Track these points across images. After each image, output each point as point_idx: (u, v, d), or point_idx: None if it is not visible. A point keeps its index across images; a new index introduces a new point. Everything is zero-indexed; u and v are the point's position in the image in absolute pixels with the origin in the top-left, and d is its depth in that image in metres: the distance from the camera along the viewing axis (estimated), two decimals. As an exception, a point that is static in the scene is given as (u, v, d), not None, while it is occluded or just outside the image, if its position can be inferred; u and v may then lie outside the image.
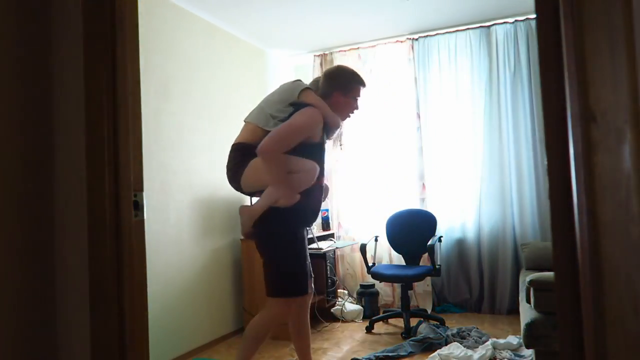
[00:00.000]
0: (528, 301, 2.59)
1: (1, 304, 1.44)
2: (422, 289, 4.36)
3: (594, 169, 0.93)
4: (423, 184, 4.42)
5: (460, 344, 3.18)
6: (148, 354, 1.61)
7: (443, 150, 4.42)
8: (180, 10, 3.55)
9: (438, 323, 3.73)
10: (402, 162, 4.54)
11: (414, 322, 3.75)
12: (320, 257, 4.11)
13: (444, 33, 4.43)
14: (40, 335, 1.54)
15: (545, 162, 1.12)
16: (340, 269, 4.75)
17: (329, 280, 4.26)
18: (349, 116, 2.47)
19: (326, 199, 2.57)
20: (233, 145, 2.41)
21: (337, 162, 4.82)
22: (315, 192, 2.32)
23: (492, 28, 4.28)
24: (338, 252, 4.70)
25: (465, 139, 4.36)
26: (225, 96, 4.02)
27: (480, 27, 4.31)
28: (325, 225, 4.60)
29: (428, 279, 4.27)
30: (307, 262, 2.36)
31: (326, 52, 4.88)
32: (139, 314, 1.55)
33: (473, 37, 4.35)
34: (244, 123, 2.45)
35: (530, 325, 2.39)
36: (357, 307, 4.23)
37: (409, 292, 3.96)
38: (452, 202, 4.38)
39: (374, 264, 4.11)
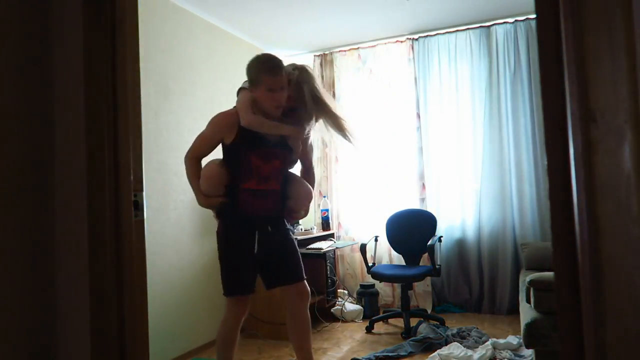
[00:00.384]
0: (528, 301, 2.59)
1: (1, 303, 1.44)
2: (422, 289, 4.36)
3: (594, 169, 0.93)
4: (423, 184, 4.42)
5: (460, 344, 3.18)
6: (148, 354, 1.61)
7: (443, 150, 4.42)
8: (180, 10, 3.55)
9: (438, 323, 3.73)
10: (402, 162, 4.54)
11: (414, 322, 3.75)
12: (320, 257, 4.11)
13: (444, 33, 4.43)
14: (40, 335, 1.54)
15: (545, 162, 1.12)
16: (340, 269, 4.75)
17: (329, 280, 4.26)
18: (275, 112, 2.24)
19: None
20: None
21: (337, 162, 4.82)
22: (241, 196, 2.25)
23: (492, 28, 4.28)
24: (338, 252, 4.69)
25: (465, 139, 4.36)
26: (226, 96, 4.02)
27: (480, 27, 4.31)
28: (325, 225, 4.60)
29: (428, 279, 4.27)
30: (239, 266, 2.28)
31: (326, 52, 4.88)
32: (139, 314, 1.55)
33: (473, 37, 4.35)
34: None
35: (530, 325, 2.39)
36: (357, 307, 4.23)
37: (409, 292, 3.96)
38: (452, 202, 4.38)
39: (374, 264, 4.10)
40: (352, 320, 4.12)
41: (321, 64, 4.91)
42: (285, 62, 2.11)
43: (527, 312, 2.56)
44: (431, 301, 4.33)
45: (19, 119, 1.52)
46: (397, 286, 4.41)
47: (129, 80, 1.55)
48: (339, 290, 4.52)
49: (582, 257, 1.00)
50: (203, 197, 2.28)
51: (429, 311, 4.21)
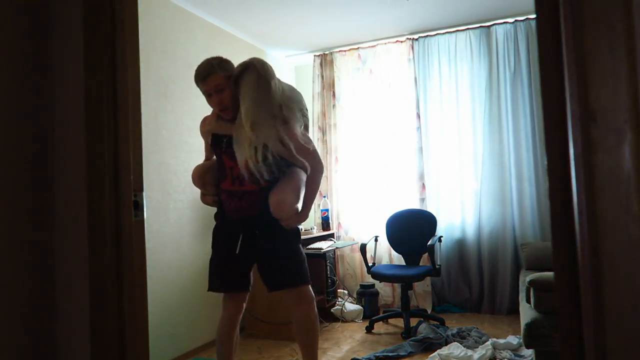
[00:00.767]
0: (528, 301, 2.59)
1: (1, 304, 1.44)
2: (422, 289, 4.36)
3: (594, 169, 0.93)
4: (423, 184, 4.42)
5: (460, 344, 3.18)
6: (148, 354, 1.61)
7: (443, 150, 4.42)
8: (180, 10, 3.55)
9: (438, 323, 3.73)
10: (402, 162, 4.54)
11: (414, 322, 3.75)
12: (320, 257, 4.11)
13: (444, 33, 4.43)
14: (40, 335, 1.54)
15: (545, 162, 1.12)
16: (340, 269, 4.75)
17: (329, 280, 4.26)
18: (224, 115, 2.30)
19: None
20: None
21: (337, 162, 4.82)
22: (221, 196, 2.33)
23: (492, 28, 4.28)
24: (338, 252, 4.69)
25: (465, 139, 4.36)
26: (225, 96, 4.02)
27: (480, 27, 4.31)
28: (325, 225, 4.60)
29: (428, 279, 4.27)
30: (219, 263, 2.35)
31: (326, 52, 4.88)
32: (139, 314, 1.55)
33: (473, 37, 4.35)
34: None
35: (530, 325, 2.39)
36: (357, 307, 4.23)
37: (409, 292, 3.96)
38: (452, 202, 4.38)
39: (374, 264, 4.11)
40: (352, 320, 4.12)
41: (321, 64, 4.91)
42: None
43: (527, 312, 2.56)
44: (431, 301, 4.33)
45: (18, 119, 1.52)
46: (397, 286, 4.41)
47: (129, 80, 1.55)
48: (339, 290, 4.52)
49: (582, 257, 1.00)
50: (201, 194, 2.48)
51: (429, 311, 4.21)
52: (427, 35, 4.48)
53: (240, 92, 2.15)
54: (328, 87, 4.87)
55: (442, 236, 4.17)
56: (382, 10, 3.93)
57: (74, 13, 1.57)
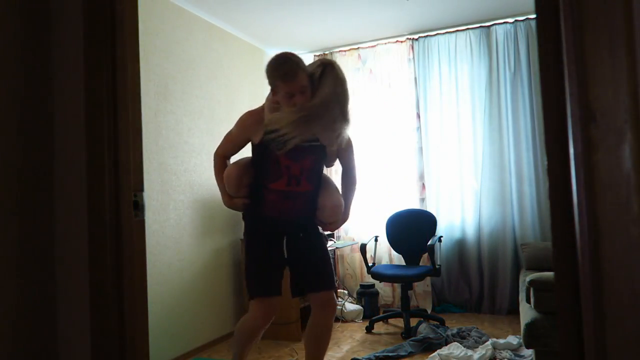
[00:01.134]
0: (528, 301, 2.59)
1: (1, 304, 1.44)
2: (422, 289, 4.36)
3: (594, 169, 0.93)
4: (423, 184, 4.42)
5: (460, 344, 3.18)
6: (148, 354, 1.61)
7: (443, 150, 4.42)
8: (180, 10, 3.55)
9: (438, 323, 3.73)
10: (402, 162, 4.54)
11: (414, 322, 3.75)
12: (320, 257, 4.10)
13: (444, 33, 4.43)
14: (40, 335, 1.54)
15: (545, 162, 1.12)
16: (340, 269, 4.75)
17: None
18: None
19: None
20: None
21: (337, 162, 4.81)
22: (270, 197, 2.13)
23: (492, 28, 4.28)
24: (338, 252, 4.70)
25: (465, 139, 4.36)
26: (225, 96, 4.02)
27: (480, 27, 4.31)
28: (325, 225, 4.59)
29: (428, 279, 4.26)
30: (264, 268, 2.19)
31: (326, 52, 4.88)
32: (139, 314, 1.55)
33: (473, 37, 4.35)
34: None
35: (530, 325, 2.39)
36: (357, 307, 4.23)
37: (409, 292, 3.96)
38: (452, 202, 4.38)
39: (374, 264, 4.10)
40: (352, 320, 4.12)
41: (321, 64, 4.90)
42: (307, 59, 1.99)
43: (527, 312, 2.56)
44: (431, 301, 4.33)
45: (18, 119, 1.52)
46: (397, 286, 4.41)
47: (129, 80, 1.55)
48: (339, 290, 4.52)
49: (582, 257, 1.00)
50: (227, 197, 2.20)
51: (429, 311, 4.21)
52: (427, 35, 4.48)
53: (320, 92, 2.10)
54: (328, 87, 4.86)
55: (442, 236, 4.17)
56: (382, 10, 3.93)
57: (74, 13, 1.57)
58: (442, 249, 4.32)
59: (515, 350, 3.06)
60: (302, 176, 2.15)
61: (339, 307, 4.17)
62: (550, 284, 2.32)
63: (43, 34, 1.59)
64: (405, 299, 3.76)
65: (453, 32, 4.41)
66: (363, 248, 3.93)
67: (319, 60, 2.21)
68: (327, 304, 2.22)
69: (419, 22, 4.25)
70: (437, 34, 4.44)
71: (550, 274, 2.34)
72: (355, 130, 4.71)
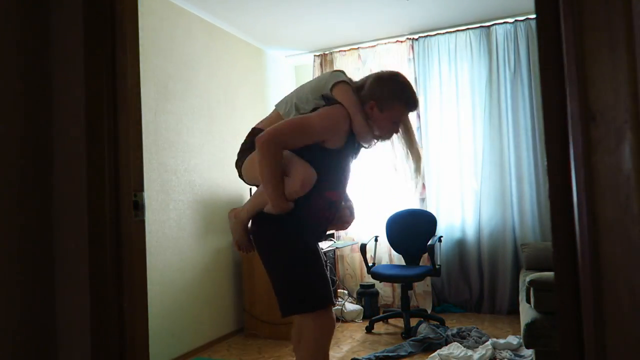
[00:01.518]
0: (528, 301, 2.59)
1: (1, 303, 1.44)
2: (422, 289, 4.36)
3: (594, 169, 0.93)
4: (423, 184, 4.42)
5: (460, 344, 3.18)
6: (148, 354, 1.61)
7: (443, 150, 4.42)
8: (180, 10, 3.55)
9: (438, 323, 3.73)
10: (402, 162, 4.53)
11: (414, 322, 3.75)
12: (320, 257, 4.11)
13: (444, 33, 4.43)
14: (40, 335, 1.54)
15: (545, 162, 1.12)
16: (340, 269, 4.75)
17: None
18: (383, 138, 2.02)
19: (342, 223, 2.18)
20: (252, 128, 2.08)
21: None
22: (320, 203, 1.91)
23: (492, 28, 4.28)
24: (338, 252, 4.69)
25: (465, 139, 4.36)
26: (225, 96, 4.02)
27: (480, 27, 4.31)
28: (325, 225, 4.59)
29: (428, 279, 4.27)
30: (324, 272, 1.93)
31: (326, 52, 4.88)
32: (139, 314, 1.55)
33: (473, 37, 4.35)
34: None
35: (530, 325, 2.39)
36: (357, 307, 4.23)
37: (409, 292, 3.96)
38: (452, 202, 4.38)
39: (374, 264, 4.10)
40: (352, 320, 4.12)
41: (321, 64, 4.91)
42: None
43: (527, 312, 2.56)
44: (431, 301, 4.33)
45: (18, 119, 1.52)
46: (397, 286, 4.41)
47: (129, 80, 1.55)
48: (339, 290, 4.52)
49: (582, 257, 1.00)
50: (285, 201, 1.81)
51: (429, 311, 4.21)
52: (427, 35, 4.48)
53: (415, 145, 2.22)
54: (328, 87, 4.87)
55: (442, 236, 4.17)
56: (382, 10, 3.93)
57: (74, 13, 1.57)
58: (442, 249, 4.32)
59: (515, 350, 3.06)
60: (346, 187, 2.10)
61: (338, 307, 4.17)
62: (550, 284, 2.32)
63: (43, 34, 1.59)
64: (405, 299, 3.77)
65: (453, 32, 4.41)
66: (363, 248, 3.93)
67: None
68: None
69: (419, 22, 4.25)
70: (437, 33, 4.45)
71: (550, 274, 2.34)
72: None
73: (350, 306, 4.23)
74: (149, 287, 1.63)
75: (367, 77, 2.11)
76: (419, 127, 4.44)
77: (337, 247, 4.27)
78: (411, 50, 4.50)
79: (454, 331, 3.47)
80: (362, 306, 4.24)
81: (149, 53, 3.16)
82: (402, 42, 4.57)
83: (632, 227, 0.75)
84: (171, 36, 3.42)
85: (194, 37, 3.68)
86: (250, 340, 3.65)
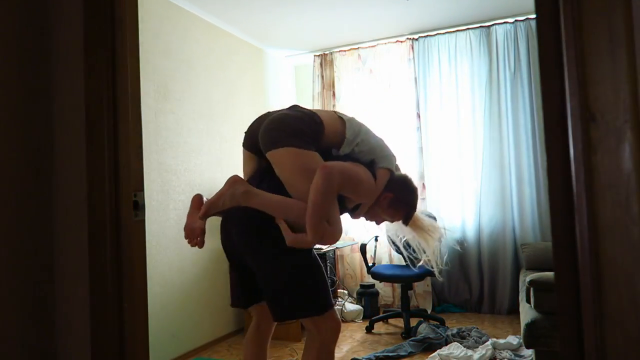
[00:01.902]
0: (528, 301, 2.59)
1: (1, 304, 1.44)
2: (422, 289, 4.36)
3: (594, 169, 0.93)
4: (423, 184, 4.42)
5: (460, 344, 3.18)
6: (148, 354, 1.61)
7: (443, 150, 4.42)
8: (180, 10, 3.55)
9: (438, 323, 3.73)
10: (402, 162, 4.52)
11: (414, 322, 3.75)
12: (320, 257, 4.11)
13: (444, 33, 4.43)
14: (40, 335, 1.54)
15: (545, 162, 1.12)
16: (340, 269, 4.75)
17: (329, 280, 4.26)
18: (367, 218, 2.18)
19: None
20: (296, 106, 2.07)
21: (337, 162, 4.81)
22: None
23: (492, 28, 4.28)
24: (338, 252, 4.69)
25: (465, 139, 4.36)
26: (225, 96, 4.02)
27: (480, 27, 4.31)
28: (325, 225, 4.59)
29: (428, 279, 4.27)
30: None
31: (326, 52, 4.88)
32: (139, 314, 1.55)
33: (473, 37, 4.35)
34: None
35: (530, 325, 2.39)
36: (357, 307, 4.23)
37: (409, 292, 3.96)
38: (452, 203, 4.38)
39: (374, 264, 4.10)
40: (352, 320, 4.12)
41: (321, 64, 4.91)
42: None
43: (527, 312, 2.56)
44: (431, 301, 4.33)
45: (18, 119, 1.52)
46: (397, 286, 4.41)
47: (129, 80, 1.55)
48: (339, 291, 4.52)
49: (582, 257, 1.00)
50: (318, 235, 1.80)
51: (429, 311, 4.21)
52: (427, 35, 4.48)
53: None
54: (328, 87, 4.87)
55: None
56: (382, 10, 3.93)
57: (74, 13, 1.57)
58: (442, 249, 4.32)
59: (515, 350, 3.06)
60: None
61: (338, 307, 4.17)
62: (550, 284, 2.32)
63: (43, 34, 1.59)
64: (405, 299, 3.77)
65: (453, 32, 4.41)
66: (363, 248, 3.93)
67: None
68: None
69: (419, 22, 4.26)
70: (437, 33, 4.45)
71: (550, 274, 2.34)
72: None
73: (350, 306, 4.23)
74: (149, 287, 1.63)
75: (399, 173, 2.22)
76: (419, 127, 4.45)
77: (337, 247, 4.27)
78: (411, 50, 4.50)
79: (454, 331, 3.47)
80: (362, 306, 4.24)
81: (149, 53, 3.16)
82: (402, 42, 4.57)
83: (632, 227, 0.75)
84: (171, 36, 3.42)
85: (194, 37, 3.68)
86: (250, 340, 3.65)
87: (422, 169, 4.42)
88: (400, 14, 4.04)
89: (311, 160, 1.85)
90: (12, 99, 1.50)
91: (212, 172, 3.77)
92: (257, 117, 2.15)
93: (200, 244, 2.00)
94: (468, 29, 4.36)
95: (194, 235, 1.99)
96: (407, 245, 2.32)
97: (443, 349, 3.10)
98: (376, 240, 4.31)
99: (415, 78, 4.49)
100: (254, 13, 3.85)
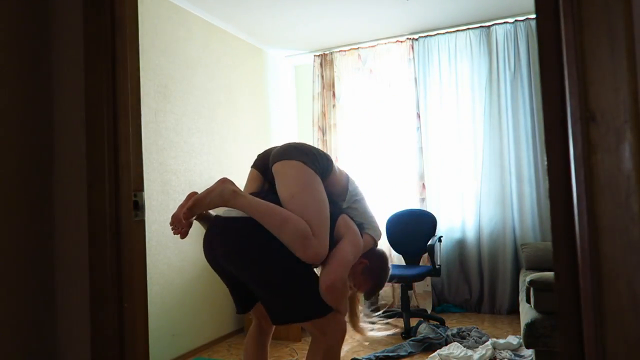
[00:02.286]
0: (528, 301, 2.59)
1: (1, 303, 1.44)
2: (422, 289, 4.36)
3: (594, 169, 0.93)
4: (423, 184, 4.42)
5: (460, 344, 3.18)
6: (148, 354, 1.61)
7: (443, 150, 4.42)
8: (180, 10, 3.55)
9: (438, 323, 3.73)
10: (402, 162, 4.54)
11: (414, 322, 3.75)
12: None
13: (444, 33, 4.43)
14: (40, 335, 1.54)
15: (545, 162, 1.12)
16: (340, 269, 4.74)
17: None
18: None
19: None
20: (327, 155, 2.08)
21: (337, 162, 4.82)
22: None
23: (492, 28, 4.28)
24: (338, 252, 4.69)
25: (465, 139, 4.37)
26: (225, 96, 4.02)
27: (480, 27, 4.31)
28: (325, 225, 4.59)
29: (428, 279, 4.27)
30: None
31: (326, 52, 4.88)
32: (139, 314, 1.55)
33: (473, 37, 4.35)
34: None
35: (530, 325, 2.39)
36: (357, 307, 4.23)
37: (409, 292, 3.96)
38: (452, 202, 4.39)
39: (374, 264, 4.10)
40: (352, 320, 4.12)
41: (321, 64, 4.91)
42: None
43: (527, 312, 2.56)
44: (431, 301, 4.33)
45: (18, 119, 1.52)
46: (397, 286, 4.41)
47: (129, 80, 1.55)
48: (339, 290, 4.51)
49: (582, 257, 1.00)
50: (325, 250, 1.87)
51: (429, 311, 4.21)
52: (427, 35, 4.48)
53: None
54: (328, 87, 4.87)
55: (442, 236, 4.17)
56: (382, 10, 3.93)
57: (74, 13, 1.57)
58: (442, 249, 4.32)
59: (515, 350, 3.06)
60: None
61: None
62: (550, 284, 2.32)
63: (43, 34, 1.59)
64: (405, 299, 3.76)
65: (453, 32, 4.41)
66: (363, 248, 3.93)
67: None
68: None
69: (419, 22, 4.26)
70: (437, 34, 4.45)
71: (550, 274, 2.34)
72: (356, 130, 4.73)
73: (350, 306, 4.22)
74: (149, 287, 1.63)
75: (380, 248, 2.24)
76: (419, 127, 4.45)
77: (337, 247, 4.27)
78: (411, 50, 4.50)
79: (454, 331, 3.47)
80: (362, 306, 4.24)
81: (149, 53, 3.16)
82: (402, 42, 4.57)
83: (632, 227, 0.75)
84: (171, 36, 3.42)
85: (194, 36, 3.68)
86: (250, 340, 3.65)
87: (422, 169, 4.42)
88: (400, 14, 4.04)
89: (314, 180, 1.88)
90: (12, 99, 1.50)
91: (212, 172, 3.76)
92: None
93: (183, 235, 2.01)
94: (468, 29, 4.36)
95: (180, 224, 2.00)
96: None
97: (443, 349, 3.10)
98: (376, 240, 4.31)
99: (415, 78, 4.49)
100: (254, 13, 3.85)
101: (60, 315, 1.57)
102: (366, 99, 4.71)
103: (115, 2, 1.53)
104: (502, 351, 3.04)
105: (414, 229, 4.06)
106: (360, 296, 2.33)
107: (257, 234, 1.82)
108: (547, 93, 1.12)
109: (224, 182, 1.95)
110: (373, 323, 2.37)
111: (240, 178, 4.14)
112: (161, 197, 3.24)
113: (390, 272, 2.21)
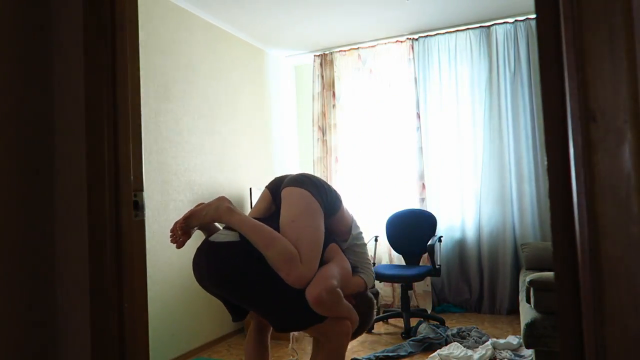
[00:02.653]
0: (528, 301, 2.59)
1: (1, 303, 1.44)
2: (422, 289, 4.36)
3: (594, 169, 0.93)
4: (423, 184, 4.42)
5: (460, 344, 3.18)
6: (148, 354, 1.61)
7: (443, 150, 4.42)
8: (180, 10, 3.55)
9: (438, 323, 3.73)
10: (402, 162, 4.55)
11: (414, 322, 3.75)
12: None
13: (444, 33, 4.44)
14: (40, 335, 1.54)
15: (545, 162, 1.12)
16: (340, 269, 4.74)
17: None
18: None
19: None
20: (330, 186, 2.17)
21: (337, 162, 4.82)
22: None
23: (492, 28, 4.28)
24: (338, 252, 4.69)
25: (465, 139, 4.37)
26: (226, 96, 4.02)
27: (480, 27, 4.31)
28: (325, 225, 4.59)
29: (428, 279, 4.27)
30: None
31: (326, 52, 4.88)
32: (139, 314, 1.55)
33: (473, 37, 4.35)
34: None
35: (530, 325, 2.39)
36: (357, 307, 4.23)
37: (409, 292, 3.96)
38: (452, 202, 4.39)
39: (374, 264, 4.10)
40: (352, 320, 4.12)
41: (321, 64, 4.91)
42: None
43: (527, 312, 2.56)
44: (431, 301, 4.33)
45: (18, 119, 1.52)
46: (397, 286, 4.41)
47: (129, 80, 1.55)
48: (339, 290, 4.52)
49: (582, 257, 1.00)
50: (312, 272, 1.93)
51: (429, 311, 4.21)
52: (427, 35, 4.48)
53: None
54: (328, 87, 4.87)
55: (442, 236, 4.17)
56: (382, 10, 3.93)
57: (74, 13, 1.57)
58: (442, 249, 4.32)
59: (515, 350, 3.06)
60: None
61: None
62: (550, 284, 2.32)
63: (43, 34, 1.59)
64: (405, 299, 3.76)
65: (453, 32, 4.41)
66: (363, 248, 3.93)
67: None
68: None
69: (419, 22, 4.26)
70: (437, 34, 4.45)
71: (550, 274, 2.34)
72: (356, 130, 4.74)
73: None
74: (149, 287, 1.63)
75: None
76: (419, 127, 4.45)
77: (337, 247, 4.27)
78: (411, 50, 4.51)
79: (454, 331, 3.47)
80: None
81: (149, 53, 3.16)
82: (402, 42, 4.57)
83: (632, 227, 0.75)
84: (172, 36, 3.42)
85: (195, 37, 3.68)
86: (250, 340, 3.65)
87: (422, 169, 4.42)
88: (400, 14, 4.04)
89: (316, 210, 1.97)
90: (12, 99, 1.50)
91: (212, 172, 3.77)
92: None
93: (180, 245, 2.06)
94: (468, 29, 4.36)
95: (175, 234, 2.04)
96: None
97: (443, 349, 3.10)
98: (376, 240, 4.31)
99: (415, 78, 4.49)
100: (254, 13, 3.85)
101: (60, 315, 1.57)
102: (366, 99, 4.71)
103: (115, 2, 1.53)
104: (502, 351, 3.04)
105: (414, 228, 4.07)
106: None
107: (241, 259, 1.88)
108: (547, 93, 1.12)
109: (222, 199, 2.04)
110: None
111: (240, 178, 4.14)
112: (161, 197, 3.24)
113: (374, 317, 2.27)
